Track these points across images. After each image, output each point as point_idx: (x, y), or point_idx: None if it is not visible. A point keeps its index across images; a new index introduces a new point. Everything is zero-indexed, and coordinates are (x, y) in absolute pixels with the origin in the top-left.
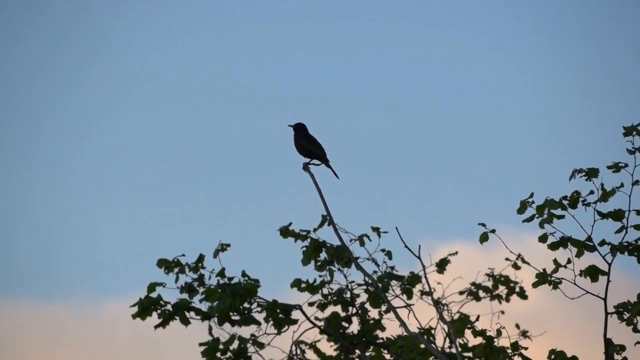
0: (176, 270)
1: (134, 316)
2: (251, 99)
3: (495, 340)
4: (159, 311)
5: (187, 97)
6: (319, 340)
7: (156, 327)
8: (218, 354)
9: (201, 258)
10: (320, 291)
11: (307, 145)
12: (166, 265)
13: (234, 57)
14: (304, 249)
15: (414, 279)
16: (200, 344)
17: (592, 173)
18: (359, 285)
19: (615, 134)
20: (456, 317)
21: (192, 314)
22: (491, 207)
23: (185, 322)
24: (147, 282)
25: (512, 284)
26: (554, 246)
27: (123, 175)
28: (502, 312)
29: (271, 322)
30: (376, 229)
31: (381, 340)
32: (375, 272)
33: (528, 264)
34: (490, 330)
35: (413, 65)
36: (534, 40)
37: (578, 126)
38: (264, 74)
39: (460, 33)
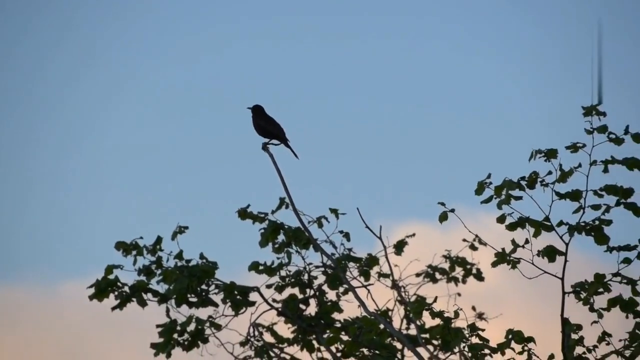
0: (134, 252)
1: (91, 297)
2: (210, 82)
3: (452, 321)
4: (116, 293)
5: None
6: (276, 323)
7: (113, 308)
8: (175, 335)
9: (159, 240)
10: (278, 273)
11: (266, 126)
12: (124, 247)
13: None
14: (262, 231)
15: (372, 260)
16: (158, 326)
17: (551, 154)
18: (317, 267)
19: (573, 115)
20: (413, 299)
21: (150, 295)
22: (448, 186)
23: (143, 303)
24: (105, 264)
25: (468, 266)
26: (512, 227)
27: (81, 156)
28: (459, 294)
29: (229, 304)
30: (334, 211)
31: (339, 322)
32: (333, 254)
33: (485, 244)
34: (447, 312)
35: (370, 46)
36: (489, 19)
37: (537, 105)
38: (229, 58)
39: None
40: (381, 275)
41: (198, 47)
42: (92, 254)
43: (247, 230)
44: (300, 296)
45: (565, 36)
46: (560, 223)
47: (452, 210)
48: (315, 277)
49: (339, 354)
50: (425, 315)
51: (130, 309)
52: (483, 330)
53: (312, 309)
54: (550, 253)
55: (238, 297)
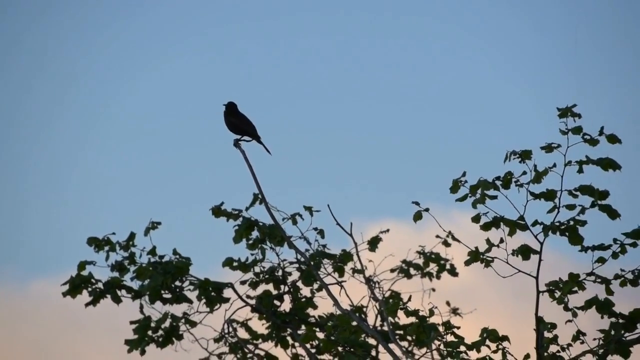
0: (106, 248)
1: (65, 294)
2: (183, 79)
3: (427, 319)
4: (89, 289)
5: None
6: (250, 319)
7: (87, 305)
8: (149, 332)
9: (132, 236)
10: (252, 270)
11: (237, 123)
12: (96, 243)
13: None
14: (236, 227)
15: (346, 257)
16: (132, 322)
17: (525, 155)
18: (291, 263)
19: (548, 116)
20: (387, 294)
21: (124, 292)
22: (423, 185)
23: (117, 300)
24: (75, 263)
25: (442, 262)
26: (486, 227)
27: (53, 150)
28: (433, 290)
29: (203, 301)
30: (308, 208)
31: (313, 318)
32: (307, 250)
33: (458, 241)
34: (422, 310)
35: (346, 43)
36: (469, 18)
37: (512, 107)
38: (204, 56)
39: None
40: (355, 271)
41: (173, 45)
42: (62, 252)
43: (221, 227)
44: (274, 292)
45: (552, 34)
46: (535, 223)
47: (427, 210)
48: (290, 274)
49: (313, 350)
50: (400, 313)
51: (102, 306)
52: (458, 327)
53: (286, 305)
54: (524, 252)
55: (212, 293)
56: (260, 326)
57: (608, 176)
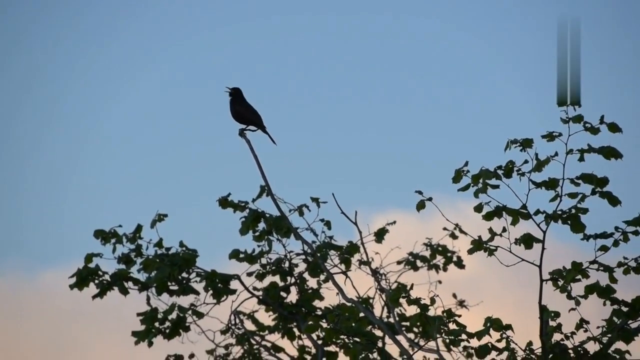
0: (113, 241)
1: (72, 286)
2: (189, 67)
3: (430, 308)
4: (96, 281)
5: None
6: (257, 310)
7: (94, 297)
8: (156, 324)
9: (139, 228)
10: (258, 261)
11: (243, 112)
12: (103, 236)
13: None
14: (243, 219)
15: (353, 248)
16: (138, 314)
17: (526, 143)
18: (298, 254)
19: (550, 104)
20: (394, 286)
21: (130, 284)
22: (427, 175)
23: (124, 291)
24: (83, 254)
25: (449, 254)
26: (489, 216)
27: (61, 142)
28: (440, 282)
29: (210, 292)
30: (315, 199)
31: (320, 310)
32: (314, 242)
33: (465, 233)
34: (425, 299)
35: (356, 28)
36: (466, 5)
37: (513, 95)
38: (208, 42)
39: None
40: (362, 262)
41: (174, 32)
42: (71, 243)
43: (227, 219)
44: (281, 284)
45: (550, 26)
46: (538, 212)
47: (430, 199)
48: (296, 265)
49: (319, 342)
50: (404, 302)
51: (110, 298)
52: (459, 316)
53: (293, 297)
54: (527, 241)
55: (219, 285)
56: (266, 318)
57: (610, 165)
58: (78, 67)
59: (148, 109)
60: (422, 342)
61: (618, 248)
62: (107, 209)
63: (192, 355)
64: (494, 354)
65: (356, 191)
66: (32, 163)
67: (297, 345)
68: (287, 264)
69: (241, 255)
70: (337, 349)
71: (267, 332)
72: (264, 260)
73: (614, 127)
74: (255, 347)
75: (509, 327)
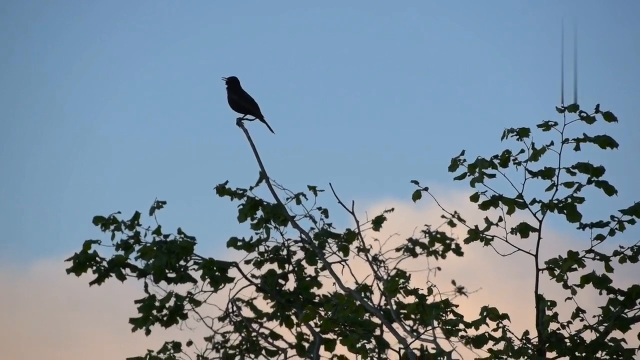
0: (112, 227)
1: (68, 271)
2: (185, 56)
3: (427, 297)
4: (94, 267)
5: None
6: (255, 298)
7: (91, 283)
8: (154, 312)
9: (137, 215)
10: (256, 249)
11: (239, 101)
12: (102, 222)
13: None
14: (241, 207)
15: (351, 236)
16: (136, 302)
17: (523, 133)
18: (296, 242)
19: (545, 93)
20: (393, 273)
21: (128, 271)
22: (422, 165)
23: (122, 277)
24: (80, 242)
25: (447, 241)
26: (485, 205)
27: (56, 134)
28: (439, 269)
29: (207, 280)
30: (313, 188)
31: (318, 297)
32: (312, 229)
33: (464, 221)
34: (423, 289)
35: (351, 18)
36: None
37: (507, 86)
38: (206, 32)
39: None
40: (360, 250)
41: (174, 23)
42: (65, 233)
43: (225, 207)
44: (279, 271)
45: (550, 17)
46: (534, 201)
47: (426, 189)
48: (294, 253)
49: (317, 330)
50: (403, 293)
51: (106, 288)
52: (457, 306)
53: (291, 284)
54: (523, 230)
55: (217, 273)
56: (264, 305)
57: (605, 154)
58: (78, 56)
59: (146, 96)
60: (420, 330)
61: (614, 237)
62: (104, 200)
63: (190, 343)
64: (490, 343)
65: (351, 182)
66: (27, 154)
67: (295, 332)
68: (284, 252)
69: (239, 243)
70: (335, 337)
71: (265, 319)
72: (261, 248)
73: (609, 116)
74: (253, 334)
75: (505, 316)
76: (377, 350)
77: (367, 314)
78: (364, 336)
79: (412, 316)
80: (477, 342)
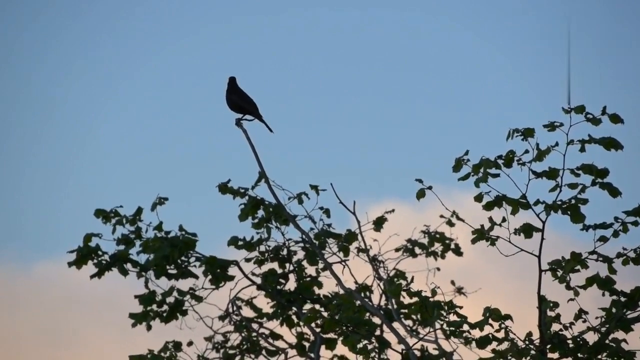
0: (114, 221)
1: (70, 264)
2: (187, 55)
3: (430, 298)
4: (95, 261)
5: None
6: (256, 297)
7: (92, 276)
8: (154, 306)
9: (139, 211)
10: (257, 249)
11: (238, 101)
12: (104, 215)
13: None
14: (242, 206)
15: (351, 236)
16: (136, 297)
17: (528, 133)
18: (296, 242)
19: (551, 94)
20: (392, 274)
21: (130, 266)
22: (422, 166)
23: (124, 272)
24: (79, 243)
25: (447, 241)
26: (488, 206)
27: (56, 135)
28: (438, 269)
29: (209, 277)
30: (314, 187)
31: (319, 296)
32: (312, 229)
33: (463, 220)
34: (425, 291)
35: (354, 18)
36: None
37: (515, 85)
38: (206, 32)
39: None
40: (360, 250)
41: (174, 23)
42: (65, 233)
43: (226, 205)
44: (279, 271)
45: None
46: (537, 202)
47: (430, 188)
48: (295, 252)
49: (318, 330)
50: (404, 293)
51: (106, 287)
52: (461, 307)
53: (291, 284)
54: (527, 231)
55: (218, 270)
56: (265, 304)
57: (610, 155)
58: (78, 56)
59: (148, 94)
60: (420, 329)
61: (617, 239)
62: (104, 200)
63: (190, 343)
64: (494, 344)
65: (351, 182)
66: (27, 154)
67: (296, 332)
68: (285, 252)
69: (240, 243)
70: (336, 337)
71: (265, 319)
72: (262, 248)
73: (615, 118)
74: (253, 334)
75: (508, 317)
76: (377, 350)
77: (367, 314)
78: (365, 337)
79: (413, 316)
80: (481, 343)
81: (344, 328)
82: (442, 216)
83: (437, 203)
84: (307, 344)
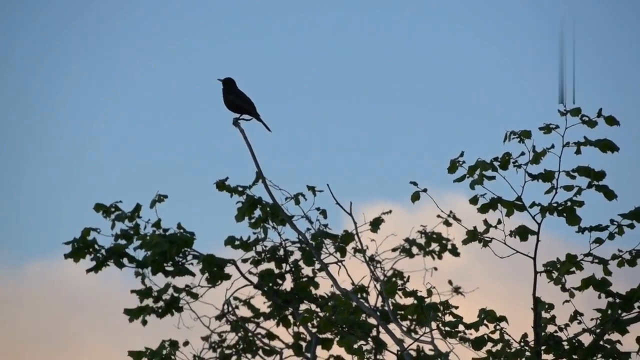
0: (113, 216)
1: (67, 256)
2: (186, 56)
3: (426, 299)
4: (92, 255)
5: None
6: (253, 297)
7: (88, 271)
8: (151, 302)
9: (138, 208)
10: (254, 248)
11: (236, 101)
12: (104, 209)
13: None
14: (239, 204)
15: (348, 237)
16: (133, 291)
17: (525, 135)
18: (293, 242)
19: (546, 97)
20: (389, 274)
21: (126, 260)
22: (415, 169)
23: (120, 266)
24: (74, 237)
25: (444, 241)
26: (483, 209)
27: (51, 136)
28: (435, 269)
29: (205, 275)
30: (311, 188)
31: (315, 296)
32: (309, 229)
33: (459, 221)
34: (421, 291)
35: (348, 19)
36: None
37: (508, 85)
38: (204, 32)
39: None
40: (357, 251)
41: (174, 23)
42: (58, 234)
43: (223, 205)
44: (276, 271)
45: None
46: (533, 204)
47: (425, 190)
48: (292, 253)
49: (314, 330)
50: (401, 292)
51: (101, 288)
52: (456, 307)
53: (288, 284)
54: (522, 233)
55: (215, 269)
56: (262, 304)
57: (606, 158)
58: (78, 57)
59: (146, 93)
60: (417, 330)
61: (612, 241)
62: (102, 200)
63: (186, 343)
64: (489, 345)
65: (346, 183)
66: (26, 154)
67: (292, 332)
68: (282, 252)
69: (237, 242)
70: (332, 337)
71: (262, 319)
72: (259, 248)
73: (611, 120)
74: (249, 334)
75: (503, 318)
76: (374, 350)
77: (363, 315)
78: (361, 338)
79: (409, 317)
80: (476, 344)
81: (340, 329)
82: (439, 216)
83: (430, 205)
84: (303, 344)
